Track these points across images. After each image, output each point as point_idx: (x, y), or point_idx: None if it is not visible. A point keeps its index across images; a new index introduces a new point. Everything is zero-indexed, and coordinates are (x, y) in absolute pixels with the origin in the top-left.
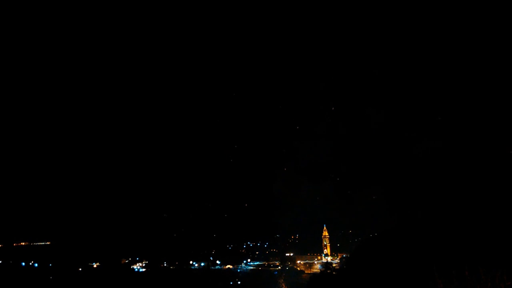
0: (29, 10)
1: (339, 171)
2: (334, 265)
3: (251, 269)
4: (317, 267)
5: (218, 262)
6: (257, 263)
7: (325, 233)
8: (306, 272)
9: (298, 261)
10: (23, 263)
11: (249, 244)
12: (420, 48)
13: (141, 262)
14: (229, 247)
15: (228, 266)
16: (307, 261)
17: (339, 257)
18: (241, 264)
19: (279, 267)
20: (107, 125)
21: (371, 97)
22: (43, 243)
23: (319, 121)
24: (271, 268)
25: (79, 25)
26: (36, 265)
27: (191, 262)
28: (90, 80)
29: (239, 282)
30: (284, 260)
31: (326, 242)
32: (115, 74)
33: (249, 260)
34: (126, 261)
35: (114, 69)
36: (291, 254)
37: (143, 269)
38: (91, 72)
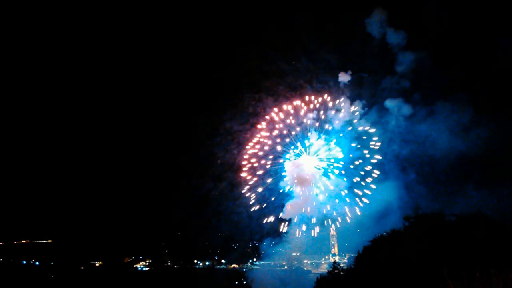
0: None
1: (355, 168)
2: (342, 265)
3: (257, 269)
4: (324, 267)
5: (223, 261)
6: (263, 262)
7: (333, 232)
8: (313, 272)
9: (305, 261)
10: (24, 261)
11: (255, 244)
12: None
13: (145, 261)
14: (234, 246)
15: (233, 265)
16: (314, 260)
17: (347, 257)
18: (247, 263)
19: (286, 267)
20: (110, 124)
21: (392, 91)
22: (44, 241)
23: (338, 114)
24: (278, 268)
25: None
26: (37, 263)
27: (195, 261)
28: (93, 79)
29: (244, 282)
30: (290, 259)
31: (333, 241)
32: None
33: (254, 259)
34: (129, 260)
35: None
36: (298, 254)
37: (147, 268)
38: (90, 71)
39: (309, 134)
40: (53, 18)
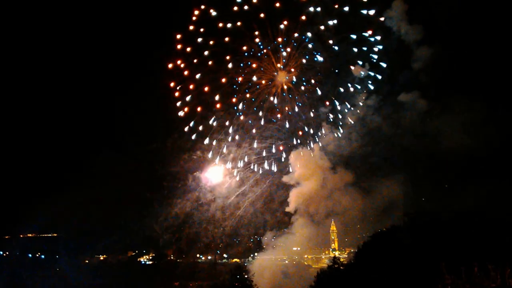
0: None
1: (361, 160)
2: (342, 259)
3: (258, 263)
4: (324, 262)
5: (225, 255)
6: (264, 257)
7: (333, 227)
8: (313, 266)
9: (305, 256)
10: (30, 255)
11: (256, 238)
12: None
13: (148, 255)
14: (236, 241)
15: (235, 259)
16: (314, 255)
17: (347, 251)
18: (248, 258)
19: (286, 261)
20: (118, 120)
21: (406, 85)
22: (50, 235)
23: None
24: (278, 262)
25: None
26: (42, 256)
27: (198, 255)
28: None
29: (246, 276)
30: (291, 254)
31: (334, 236)
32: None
33: (256, 254)
34: (133, 254)
35: None
36: (299, 248)
37: (150, 262)
38: None
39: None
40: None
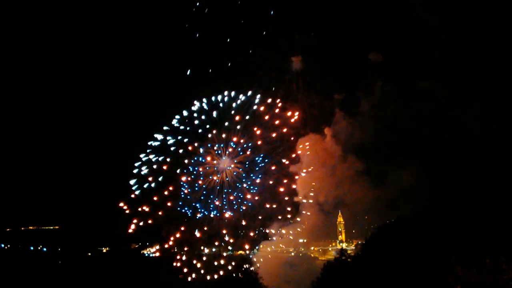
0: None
1: (374, 149)
2: (349, 251)
3: (264, 255)
4: (331, 254)
5: (229, 248)
6: (269, 249)
7: (340, 219)
8: (320, 258)
9: (312, 247)
10: (32, 248)
11: (262, 230)
12: None
13: (151, 247)
14: (241, 232)
15: (240, 252)
16: (321, 247)
17: (355, 243)
18: (254, 250)
19: (292, 253)
20: (120, 117)
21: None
22: (52, 227)
23: (363, 97)
24: (284, 254)
25: None
26: (44, 249)
27: (202, 247)
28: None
29: (251, 268)
30: (297, 246)
31: (341, 228)
32: None
33: (261, 246)
34: (136, 246)
35: None
36: (305, 240)
37: (154, 255)
38: None
39: None
40: None
